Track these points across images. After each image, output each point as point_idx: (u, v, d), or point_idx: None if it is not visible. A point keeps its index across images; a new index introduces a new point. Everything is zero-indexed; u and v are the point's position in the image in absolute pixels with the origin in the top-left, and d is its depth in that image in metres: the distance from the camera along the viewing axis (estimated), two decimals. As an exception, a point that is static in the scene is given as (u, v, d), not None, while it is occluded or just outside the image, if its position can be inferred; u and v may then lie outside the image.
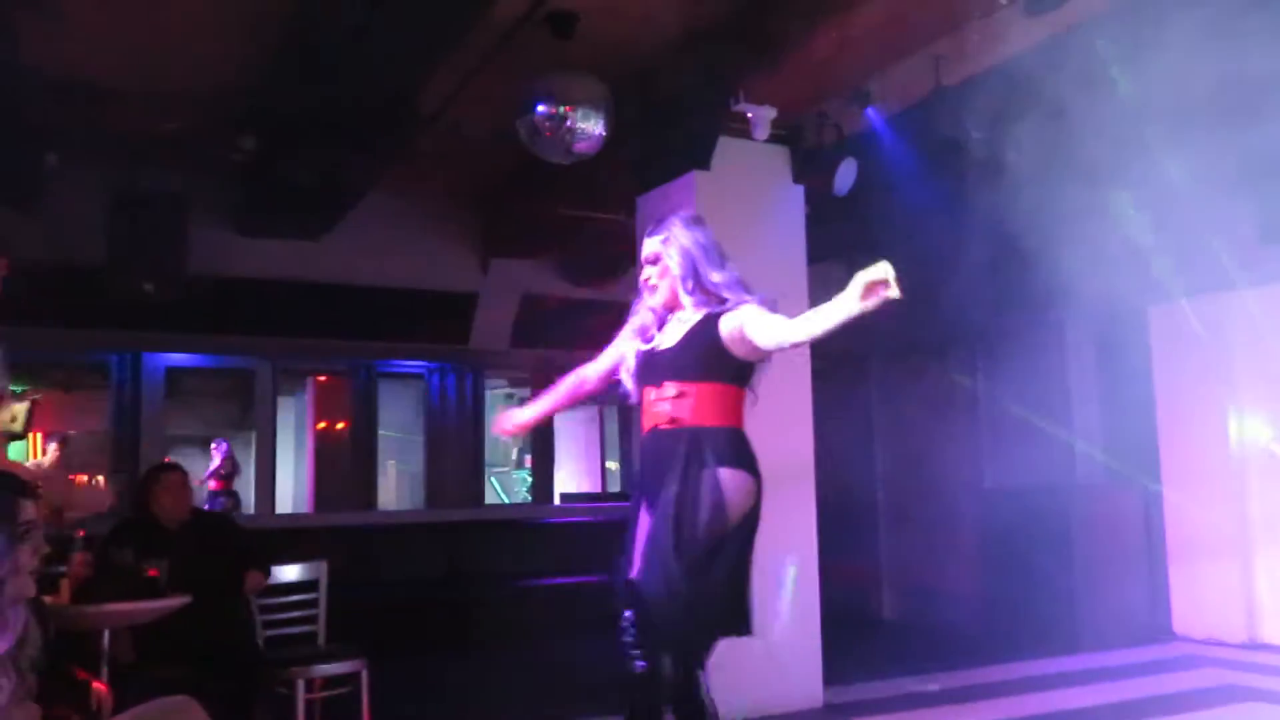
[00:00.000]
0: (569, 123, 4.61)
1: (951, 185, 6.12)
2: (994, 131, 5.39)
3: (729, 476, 2.88)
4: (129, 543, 3.93)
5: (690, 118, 5.14)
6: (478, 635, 6.84)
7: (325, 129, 5.34)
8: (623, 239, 5.92)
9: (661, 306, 3.13)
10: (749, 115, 5.05)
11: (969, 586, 7.51)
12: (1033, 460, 7.41)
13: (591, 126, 4.61)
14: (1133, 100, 5.04)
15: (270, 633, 4.46)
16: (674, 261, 3.07)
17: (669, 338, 3.10)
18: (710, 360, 2.96)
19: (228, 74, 5.28)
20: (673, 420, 2.96)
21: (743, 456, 2.95)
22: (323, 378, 11.59)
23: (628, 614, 2.97)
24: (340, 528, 7.43)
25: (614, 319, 7.98)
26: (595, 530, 7.99)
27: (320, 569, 4.65)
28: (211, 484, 10.82)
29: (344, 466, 9.32)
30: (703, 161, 5.08)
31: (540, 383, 9.57)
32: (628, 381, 3.18)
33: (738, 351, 2.95)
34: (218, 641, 4.07)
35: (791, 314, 5.35)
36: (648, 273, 3.15)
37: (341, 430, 10.70)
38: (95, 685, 2.68)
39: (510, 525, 8.34)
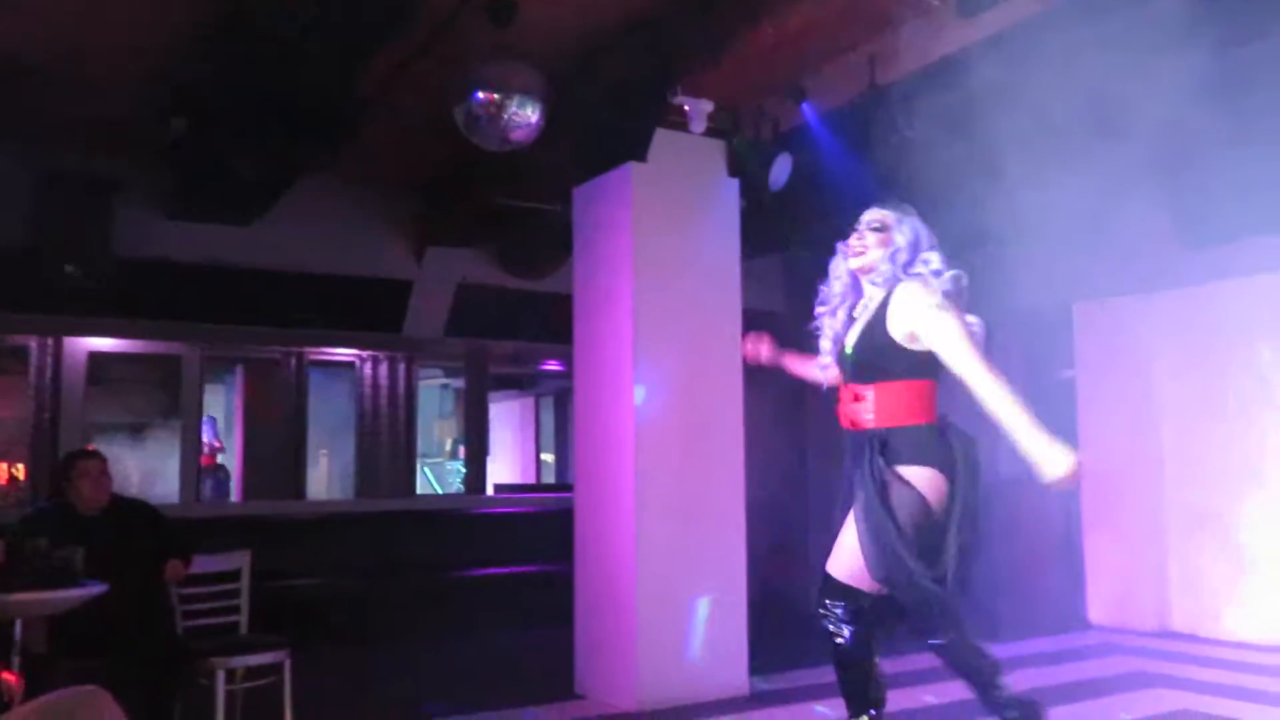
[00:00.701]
0: (506, 111, 4.59)
1: (885, 183, 6.21)
2: (926, 131, 5.49)
3: (915, 475, 3.00)
4: (44, 530, 3.83)
5: (627, 109, 5.15)
6: (408, 626, 6.81)
7: (260, 113, 5.24)
8: (559, 230, 5.92)
9: (858, 270, 3.24)
10: (686, 108, 5.08)
11: (896, 578, 7.64)
12: (959, 455, 7.56)
13: (528, 115, 4.60)
14: (1062, 103, 5.16)
15: (191, 623, 4.39)
16: (902, 235, 3.17)
17: (852, 333, 3.23)
18: (885, 360, 3.07)
19: (160, 54, 5.15)
20: (854, 424, 3.13)
21: (926, 451, 3.03)
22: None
23: (829, 601, 3.14)
24: (268, 517, 7.31)
25: (549, 310, 7.98)
26: (529, 521, 8.01)
27: (243, 559, 4.59)
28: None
29: (273, 455, 9.16)
30: (639, 153, 5.09)
31: (475, 372, 9.58)
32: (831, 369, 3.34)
33: (915, 346, 3.04)
34: (136, 631, 3.99)
35: (724, 310, 5.43)
36: (867, 240, 3.20)
37: (272, 419, 10.51)
38: (4, 675, 2.61)
39: (442, 516, 8.28)
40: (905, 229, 3.18)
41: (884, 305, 3.09)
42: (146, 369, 11.15)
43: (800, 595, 8.21)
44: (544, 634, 6.23)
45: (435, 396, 13.50)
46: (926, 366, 3.04)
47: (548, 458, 12.94)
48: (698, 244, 5.30)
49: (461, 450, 10.98)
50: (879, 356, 3.07)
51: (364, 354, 8.78)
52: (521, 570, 7.41)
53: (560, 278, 6.69)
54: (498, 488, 10.71)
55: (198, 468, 8.85)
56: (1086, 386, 7.26)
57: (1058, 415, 7.11)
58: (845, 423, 3.18)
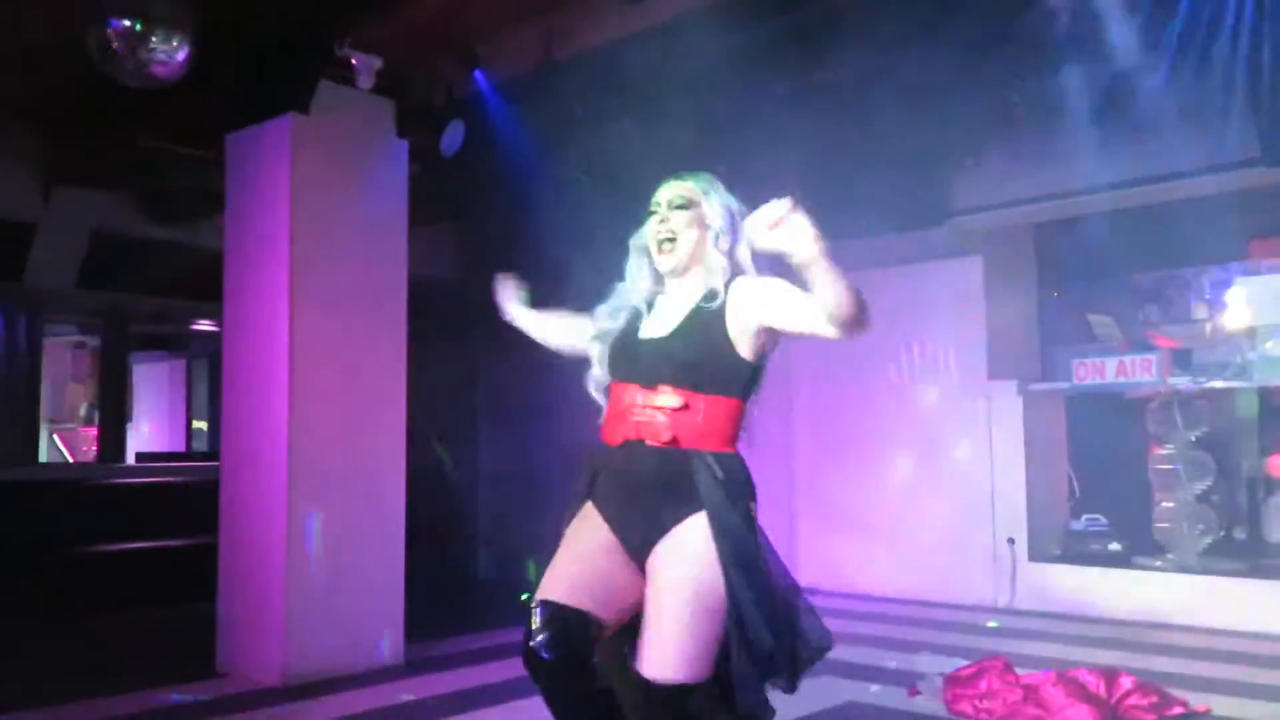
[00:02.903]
0: (146, 43, 4.17)
1: (559, 158, 6.32)
2: (597, 110, 5.63)
3: (754, 510, 2.37)
4: None
5: (290, 55, 4.85)
6: (22, 609, 6.10)
7: None
8: (210, 177, 5.49)
9: (671, 272, 2.48)
10: (354, 62, 4.87)
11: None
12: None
13: (172, 50, 4.20)
14: (712, 98, 5.49)
15: None
16: (715, 213, 2.47)
17: (660, 321, 2.45)
18: (718, 367, 2.35)
19: None
20: (672, 440, 2.29)
21: (749, 485, 2.39)
22: None
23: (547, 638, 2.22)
24: None
25: (200, 265, 7.37)
26: (174, 492, 7.45)
27: None
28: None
29: None
30: (301, 104, 4.82)
31: (113, 330, 8.70)
32: (599, 372, 2.52)
33: (746, 352, 2.37)
34: None
35: (389, 274, 5.30)
36: (672, 224, 2.45)
37: None
38: None
39: (70, 487, 7.45)
40: (715, 204, 2.49)
41: (713, 298, 2.39)
42: None
43: (461, 562, 8.31)
44: (189, 611, 5.84)
45: (68, 356, 12.13)
46: (750, 386, 2.42)
47: (200, 425, 12.04)
48: (363, 205, 5.12)
49: (97, 416, 9.96)
50: (711, 360, 2.34)
51: (-26, 305, 7.70)
52: (163, 545, 6.89)
53: (212, 230, 6.20)
54: (140, 456, 9.83)
55: None
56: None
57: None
58: (633, 433, 2.34)
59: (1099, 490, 7.02)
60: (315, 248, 4.88)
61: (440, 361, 7.86)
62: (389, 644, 5.12)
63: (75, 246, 7.22)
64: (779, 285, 2.31)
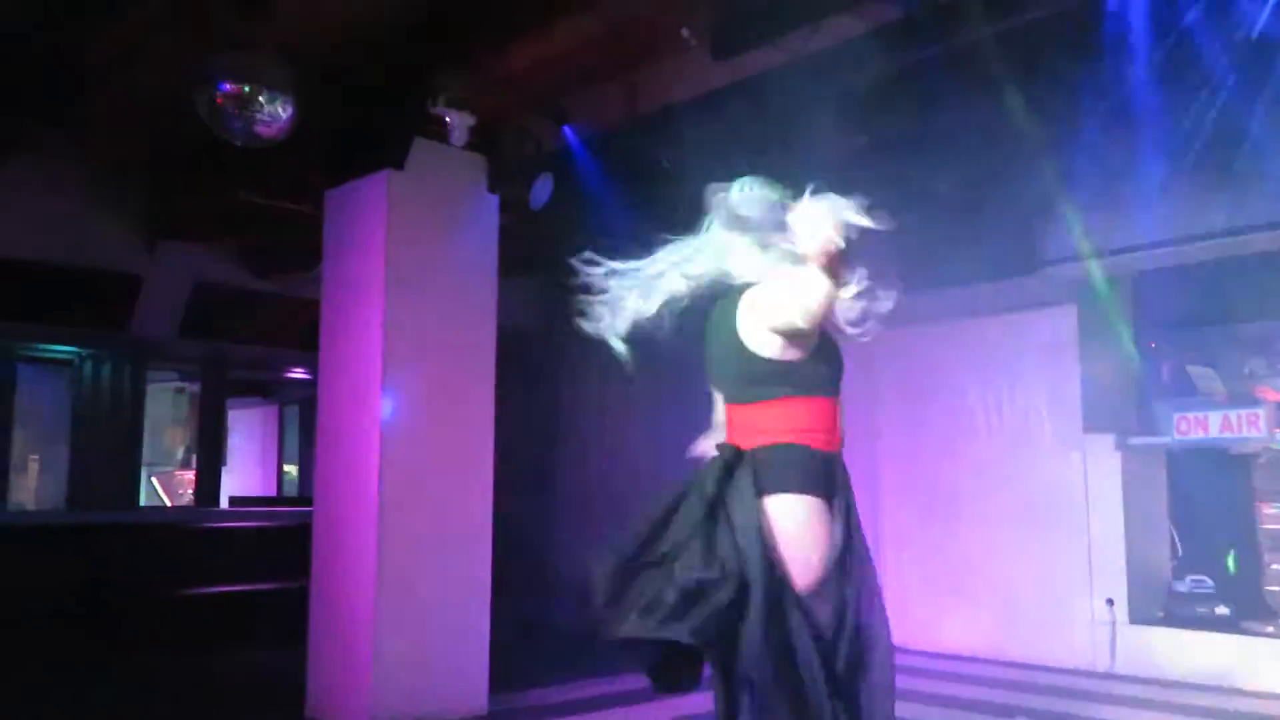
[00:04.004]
0: (254, 105, 4.35)
1: (645, 210, 6.38)
2: (682, 163, 5.68)
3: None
4: None
5: (386, 114, 5.02)
6: (124, 649, 6.28)
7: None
8: (310, 232, 5.67)
9: None
10: (447, 120, 5.01)
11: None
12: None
13: (278, 111, 4.38)
14: (809, 148, 5.50)
15: None
16: None
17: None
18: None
19: None
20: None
21: None
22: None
23: None
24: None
25: (296, 315, 7.55)
26: (266, 536, 7.62)
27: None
28: None
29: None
30: (397, 161, 4.97)
31: (212, 377, 8.99)
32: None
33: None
34: None
35: (479, 326, 5.36)
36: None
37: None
38: None
39: (167, 530, 7.70)
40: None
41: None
42: None
43: (540, 611, 8.29)
44: (278, 655, 5.93)
45: (168, 401, 12.57)
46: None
47: (291, 469, 12.33)
48: (454, 258, 5.23)
49: (194, 460, 10.28)
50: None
51: (84, 352, 8.04)
52: (256, 588, 7.03)
53: (309, 282, 6.39)
54: (233, 500, 10.10)
55: None
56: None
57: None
58: (834, 443, 2.47)
59: (1203, 550, 6.70)
60: (408, 299, 5.00)
61: (524, 410, 7.94)
62: (473, 693, 5.12)
63: (179, 297, 7.52)
64: None
